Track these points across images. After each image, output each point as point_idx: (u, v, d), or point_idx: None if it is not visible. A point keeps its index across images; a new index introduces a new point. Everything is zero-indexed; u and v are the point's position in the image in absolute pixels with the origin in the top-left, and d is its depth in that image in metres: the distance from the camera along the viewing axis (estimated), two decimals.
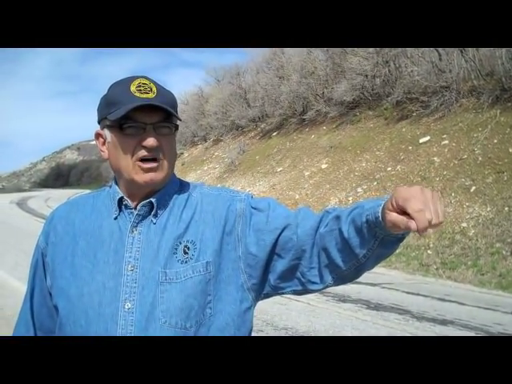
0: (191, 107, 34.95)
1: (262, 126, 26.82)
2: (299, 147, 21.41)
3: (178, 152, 33.48)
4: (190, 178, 27.29)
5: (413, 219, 1.11)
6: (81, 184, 59.65)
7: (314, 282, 1.40)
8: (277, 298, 7.46)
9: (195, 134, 34.06)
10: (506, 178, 11.70)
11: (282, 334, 6.09)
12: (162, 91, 1.40)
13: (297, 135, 22.80)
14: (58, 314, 1.42)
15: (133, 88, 1.37)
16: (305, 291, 1.44)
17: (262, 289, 1.44)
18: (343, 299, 7.92)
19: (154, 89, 1.38)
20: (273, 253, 1.41)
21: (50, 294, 1.47)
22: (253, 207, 1.44)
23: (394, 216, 1.16)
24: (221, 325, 1.38)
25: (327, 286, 1.40)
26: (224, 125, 29.94)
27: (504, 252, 9.90)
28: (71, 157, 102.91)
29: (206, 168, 27.93)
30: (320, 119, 21.91)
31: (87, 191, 1.70)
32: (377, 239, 1.26)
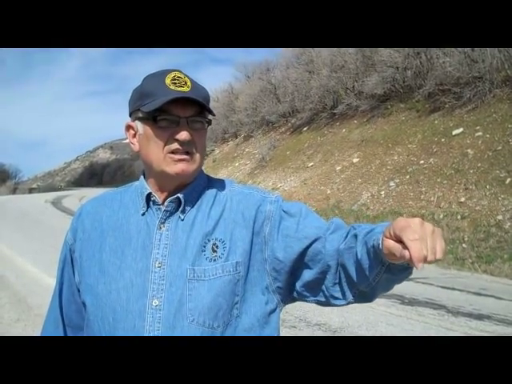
0: (221, 104, 35.02)
1: (293, 121, 26.73)
2: (330, 142, 21.29)
3: (209, 149, 33.73)
4: (221, 174, 27.37)
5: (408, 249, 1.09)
6: (114, 183, 60.36)
7: (336, 298, 1.39)
8: None
9: (226, 130, 34.14)
10: None
11: (315, 329, 6.06)
12: (197, 85, 1.40)
13: (327, 130, 22.66)
14: (86, 311, 1.43)
15: (168, 81, 1.36)
16: (327, 304, 1.43)
17: (288, 293, 1.44)
18: None
19: (189, 83, 1.38)
20: (300, 261, 1.40)
21: (79, 290, 1.48)
22: (284, 211, 1.43)
23: (390, 243, 1.14)
24: (247, 326, 1.37)
25: (349, 303, 1.40)
26: (254, 121, 29.92)
27: None
28: (104, 156, 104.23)
29: (237, 164, 27.96)
30: (351, 113, 21.74)
31: None
32: (383, 265, 1.24)
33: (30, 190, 67.14)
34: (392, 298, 7.56)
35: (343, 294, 1.37)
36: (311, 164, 20.52)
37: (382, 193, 14.78)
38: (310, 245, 1.38)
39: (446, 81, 17.06)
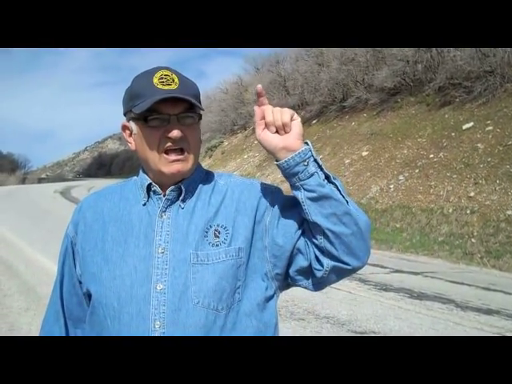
0: (230, 96, 34.99)
1: (302, 114, 26.58)
2: (339, 135, 21.26)
3: (218, 141, 33.71)
4: (230, 166, 27.36)
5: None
6: (122, 173, 60.53)
7: (317, 269, 1.42)
8: None
9: (235, 122, 34.10)
10: None
11: (324, 322, 6.07)
12: (185, 82, 1.43)
13: (337, 123, 22.64)
14: (91, 299, 1.46)
15: (155, 80, 1.40)
16: (318, 280, 1.44)
17: (284, 278, 1.47)
18: (385, 288, 7.86)
19: (176, 80, 1.41)
20: (297, 247, 1.44)
21: (80, 283, 1.51)
22: (284, 201, 1.48)
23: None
24: (247, 310, 1.41)
25: (326, 271, 1.41)
26: None
27: None
28: (113, 146, 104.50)
29: (245, 156, 27.97)
30: (360, 106, 21.71)
31: None
32: (296, 188, 1.38)
33: (39, 180, 67.55)
34: (401, 292, 7.58)
35: (319, 261, 1.41)
36: (320, 157, 19.62)
37: (391, 186, 14.75)
38: (305, 225, 1.43)
39: (456, 75, 17.00)
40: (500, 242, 10.25)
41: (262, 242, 1.44)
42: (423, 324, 6.05)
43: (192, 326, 1.35)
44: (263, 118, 1.41)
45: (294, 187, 1.38)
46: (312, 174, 1.35)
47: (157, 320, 1.35)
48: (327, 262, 1.39)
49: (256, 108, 1.42)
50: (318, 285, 1.46)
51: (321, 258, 1.39)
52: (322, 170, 1.37)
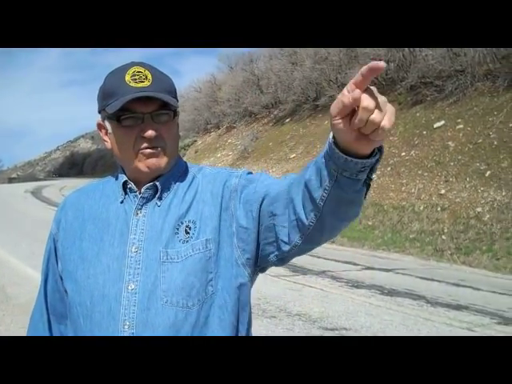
0: (204, 94, 34.85)
1: (275, 113, 26.70)
2: (312, 133, 21.31)
3: (191, 140, 33.57)
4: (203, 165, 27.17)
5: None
6: (95, 173, 59.89)
7: (284, 242, 1.35)
8: (290, 285, 7.50)
9: (208, 121, 33.98)
10: None
11: (296, 319, 6.10)
12: (158, 78, 1.40)
13: (310, 121, 22.69)
14: (67, 297, 1.45)
15: (128, 77, 1.37)
16: (281, 255, 1.38)
17: (256, 263, 1.43)
18: (357, 285, 7.92)
19: (150, 76, 1.38)
20: (261, 222, 1.38)
21: (62, 279, 1.50)
22: (246, 180, 1.43)
23: (338, 98, 1.07)
24: (221, 302, 1.38)
25: (295, 246, 1.33)
26: (237, 112, 29.82)
27: None
28: (85, 146, 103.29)
29: (219, 155, 27.89)
30: None
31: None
32: (331, 177, 1.17)
33: (10, 180, 66.55)
34: (372, 289, 7.65)
35: (289, 237, 1.33)
36: (293, 155, 20.53)
37: None
38: (262, 201, 1.37)
39: (428, 74, 17.15)
40: (470, 238, 10.40)
41: (230, 228, 1.40)
42: (394, 320, 6.12)
43: (161, 325, 1.33)
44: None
45: (329, 172, 1.18)
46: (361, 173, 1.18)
47: (126, 320, 1.34)
48: (297, 241, 1.32)
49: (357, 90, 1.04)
50: (282, 260, 1.41)
51: (292, 236, 1.33)
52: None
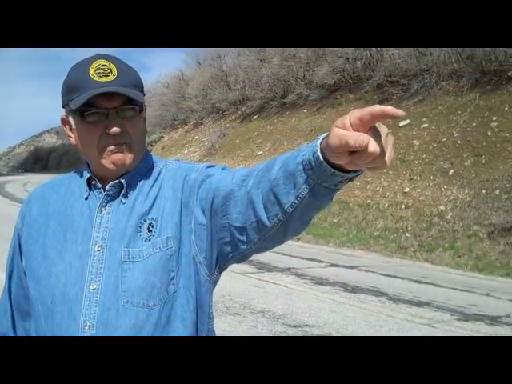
0: (172, 90, 34.67)
1: (243, 109, 26.67)
2: (280, 130, 21.36)
3: (158, 135, 33.34)
4: None
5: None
6: (60, 168, 59.07)
7: (242, 242, 1.30)
8: (254, 282, 7.49)
9: (175, 117, 33.77)
10: (483, 161, 11.79)
11: (259, 316, 6.13)
12: (124, 71, 1.36)
13: (277, 118, 22.73)
14: (30, 295, 1.42)
15: (91, 72, 1.32)
16: (240, 254, 1.35)
17: (216, 262, 1.38)
18: (321, 282, 7.96)
19: (114, 70, 1.34)
20: (217, 218, 1.33)
21: (26, 276, 1.46)
22: (204, 176, 1.38)
23: (342, 131, 0.98)
24: (183, 300, 1.35)
25: (254, 245, 1.30)
26: (204, 108, 29.71)
27: (481, 234, 10.00)
28: (50, 141, 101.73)
29: (186, 152, 27.76)
30: (301, 102, 21.85)
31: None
32: (308, 185, 1.12)
33: None
34: (336, 286, 7.70)
35: (247, 236, 1.29)
36: (260, 153, 20.55)
37: None
38: (214, 196, 1.32)
39: (394, 72, 17.35)
40: (432, 236, 10.55)
41: (190, 226, 1.36)
42: (356, 317, 6.17)
43: (122, 326, 1.30)
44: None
45: (306, 180, 1.13)
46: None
47: (86, 321, 1.30)
48: (256, 241, 1.28)
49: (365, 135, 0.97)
50: (242, 258, 1.37)
51: (250, 236, 1.28)
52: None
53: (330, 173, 1.06)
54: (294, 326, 5.77)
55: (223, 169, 1.41)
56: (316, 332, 5.56)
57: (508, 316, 6.29)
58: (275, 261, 9.11)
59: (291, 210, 1.17)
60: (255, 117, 24.74)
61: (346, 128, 0.98)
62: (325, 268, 9.03)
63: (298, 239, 11.51)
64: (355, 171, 1.07)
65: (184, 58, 37.96)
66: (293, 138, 19.72)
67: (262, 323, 5.87)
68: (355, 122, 0.97)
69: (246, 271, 8.10)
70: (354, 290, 7.51)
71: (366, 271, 8.95)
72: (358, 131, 0.96)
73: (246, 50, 27.57)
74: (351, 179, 1.10)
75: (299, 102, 21.94)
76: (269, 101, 24.15)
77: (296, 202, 1.15)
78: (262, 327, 5.72)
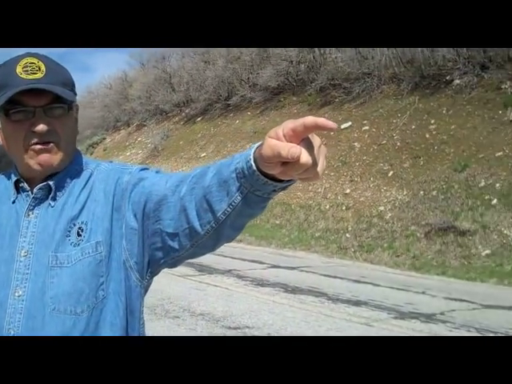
0: (114, 91, 34.18)
1: (187, 111, 26.57)
2: (223, 132, 21.38)
3: (100, 137, 32.81)
4: None
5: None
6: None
7: (174, 249, 1.28)
8: (195, 284, 7.45)
9: (118, 118, 33.27)
10: (422, 163, 12.07)
11: (199, 319, 6.11)
12: (53, 69, 1.31)
13: (221, 120, 22.78)
14: None
15: (19, 69, 1.28)
16: (172, 260, 1.32)
17: (148, 267, 1.35)
18: (261, 283, 8.00)
19: (43, 67, 1.29)
20: (148, 224, 1.31)
21: None
22: (137, 179, 1.34)
23: (275, 142, 0.99)
24: (113, 306, 1.31)
25: (186, 251, 1.28)
26: (148, 110, 29.44)
27: (418, 234, 10.23)
28: None
29: (128, 154, 27.46)
30: (245, 104, 21.97)
31: None
32: (241, 193, 1.12)
33: None
34: (276, 287, 7.74)
35: (180, 243, 1.27)
36: (204, 154, 20.53)
37: None
38: (146, 201, 1.29)
39: (337, 76, 17.63)
40: (372, 236, 10.74)
41: (121, 230, 1.32)
42: (296, 317, 6.20)
43: (48, 334, 1.24)
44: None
45: (239, 188, 1.13)
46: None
47: (11, 329, 1.25)
48: (188, 247, 1.26)
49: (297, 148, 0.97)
50: (174, 264, 1.33)
51: (183, 242, 1.26)
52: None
53: (262, 182, 1.06)
54: (234, 328, 5.77)
55: (157, 172, 1.37)
56: (255, 333, 5.57)
57: (442, 313, 6.46)
58: (216, 263, 9.11)
59: (224, 217, 1.17)
60: (199, 119, 24.70)
61: (279, 138, 0.98)
62: (266, 269, 9.10)
63: (240, 241, 11.53)
64: (288, 180, 1.07)
65: (127, 59, 37.55)
66: (236, 140, 19.75)
67: (201, 326, 5.85)
68: (288, 133, 0.97)
69: (186, 274, 8.07)
70: (294, 290, 7.56)
71: (306, 272, 9.03)
72: (292, 142, 0.97)
73: (190, 51, 27.50)
74: (284, 188, 1.10)
75: (243, 104, 22.04)
76: (213, 103, 24.15)
77: (229, 209, 1.15)
78: (201, 330, 5.71)
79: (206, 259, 9.63)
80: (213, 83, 24.10)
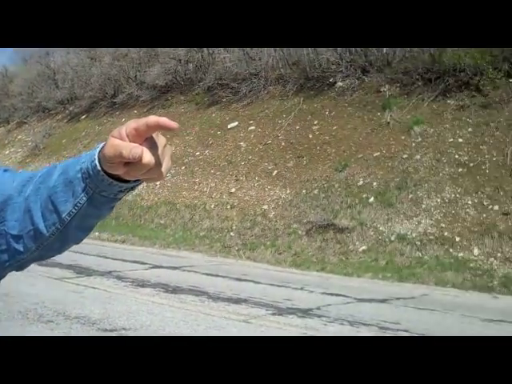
0: None
1: (71, 109, 25.73)
2: (109, 130, 20.61)
3: None
4: None
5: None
6: None
7: (19, 251, 1.21)
8: (72, 287, 7.16)
9: None
10: (305, 163, 12.35)
11: (74, 322, 5.95)
12: None
13: (107, 118, 22.29)
14: None
15: None
16: (18, 263, 1.25)
17: None
18: (142, 284, 7.89)
19: None
20: None
21: None
22: None
23: (117, 142, 0.97)
24: None
25: (32, 254, 1.21)
26: (29, 106, 28.23)
27: (300, 232, 10.44)
28: None
29: (7, 152, 26.24)
30: (131, 103, 21.63)
31: None
32: (87, 194, 1.08)
33: None
34: (157, 287, 7.66)
35: (24, 246, 1.19)
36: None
37: (158, 183, 14.78)
38: None
39: (225, 76, 17.70)
40: (255, 234, 10.87)
41: None
42: (175, 317, 6.16)
43: None
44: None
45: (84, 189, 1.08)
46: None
47: None
48: (34, 250, 1.19)
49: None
50: (20, 267, 1.25)
51: (28, 244, 1.18)
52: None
53: (107, 182, 1.04)
54: (110, 330, 5.65)
55: (5, 171, 1.26)
56: (131, 335, 5.44)
57: (318, 308, 6.63)
58: (97, 264, 8.89)
59: (69, 218, 1.12)
60: (83, 116, 24.02)
61: (122, 138, 0.97)
62: (148, 270, 9.00)
63: (123, 242, 11.30)
64: (135, 181, 1.06)
65: (9, 53, 35.87)
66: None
67: (75, 329, 5.69)
68: (131, 133, 0.96)
69: (64, 276, 7.80)
70: (175, 290, 7.51)
71: (188, 271, 9.00)
72: (135, 142, 0.96)
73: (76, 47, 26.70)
74: (132, 189, 1.09)
75: (130, 102, 21.71)
76: (98, 100, 23.58)
77: (74, 210, 1.11)
78: (75, 333, 5.53)
79: (86, 261, 9.36)
80: (99, 80, 23.52)
